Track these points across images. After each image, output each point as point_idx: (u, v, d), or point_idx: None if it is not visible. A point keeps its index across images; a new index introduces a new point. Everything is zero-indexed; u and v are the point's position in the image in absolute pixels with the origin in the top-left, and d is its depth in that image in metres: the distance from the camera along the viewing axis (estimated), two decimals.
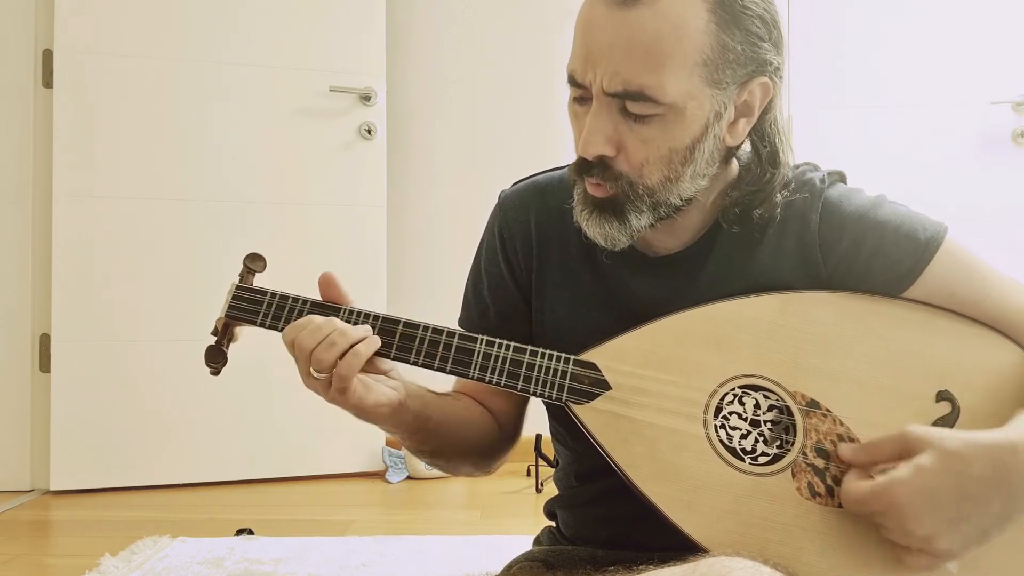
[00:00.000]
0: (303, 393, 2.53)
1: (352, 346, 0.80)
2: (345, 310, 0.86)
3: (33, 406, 2.45)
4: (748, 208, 0.86)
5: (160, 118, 2.46)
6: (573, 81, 0.80)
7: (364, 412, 0.83)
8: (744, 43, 0.77)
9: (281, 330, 0.86)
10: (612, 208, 0.82)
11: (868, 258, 0.84)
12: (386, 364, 0.87)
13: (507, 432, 1.03)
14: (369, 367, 0.83)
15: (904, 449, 0.71)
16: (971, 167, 2.70)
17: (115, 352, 2.43)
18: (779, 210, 0.86)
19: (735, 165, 0.90)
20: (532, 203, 0.98)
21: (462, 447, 0.97)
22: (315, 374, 0.81)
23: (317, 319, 0.82)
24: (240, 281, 0.90)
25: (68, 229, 2.39)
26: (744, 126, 0.83)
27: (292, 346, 0.82)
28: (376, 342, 0.82)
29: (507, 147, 2.80)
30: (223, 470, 2.50)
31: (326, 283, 0.88)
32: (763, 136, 0.85)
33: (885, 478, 0.70)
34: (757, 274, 0.87)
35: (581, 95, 0.81)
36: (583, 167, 0.82)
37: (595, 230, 0.84)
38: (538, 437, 2.43)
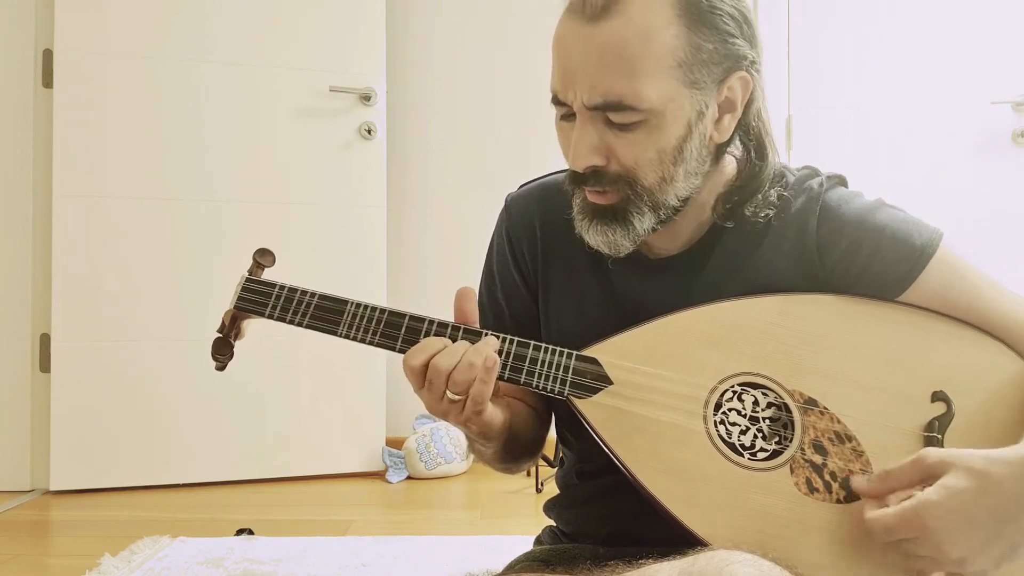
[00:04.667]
0: (303, 393, 2.54)
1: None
2: (351, 303, 0.86)
3: (33, 406, 2.46)
4: (739, 203, 0.87)
5: (160, 118, 2.46)
6: (556, 100, 0.82)
7: (489, 432, 0.84)
8: (716, 41, 0.79)
9: (298, 324, 0.86)
10: (614, 214, 0.83)
11: (865, 262, 0.85)
12: None
13: (546, 425, 1.04)
14: None
15: (924, 473, 0.70)
16: (971, 167, 2.70)
17: (115, 352, 2.43)
18: (772, 209, 0.87)
19: (731, 165, 0.90)
20: (537, 207, 1.00)
21: (526, 445, 0.98)
22: (452, 396, 0.81)
23: (439, 341, 0.81)
24: (249, 275, 0.90)
25: (68, 229, 2.39)
26: (730, 121, 0.84)
27: (424, 368, 0.80)
28: (497, 361, 0.80)
29: (507, 147, 2.80)
30: (223, 470, 2.50)
31: (466, 296, 0.85)
32: (748, 130, 0.86)
33: (913, 501, 0.68)
34: (756, 276, 0.87)
35: (566, 112, 0.83)
36: (578, 178, 0.83)
37: (598, 239, 0.84)
38: None
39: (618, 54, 0.76)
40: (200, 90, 2.48)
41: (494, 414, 0.83)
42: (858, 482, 0.76)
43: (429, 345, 0.81)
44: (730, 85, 0.81)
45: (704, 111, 0.80)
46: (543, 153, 2.17)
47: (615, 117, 0.78)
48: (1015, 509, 0.68)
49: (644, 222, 0.83)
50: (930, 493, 0.68)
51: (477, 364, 0.78)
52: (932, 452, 0.71)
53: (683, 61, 0.77)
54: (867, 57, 2.74)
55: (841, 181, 0.92)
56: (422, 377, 0.80)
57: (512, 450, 0.95)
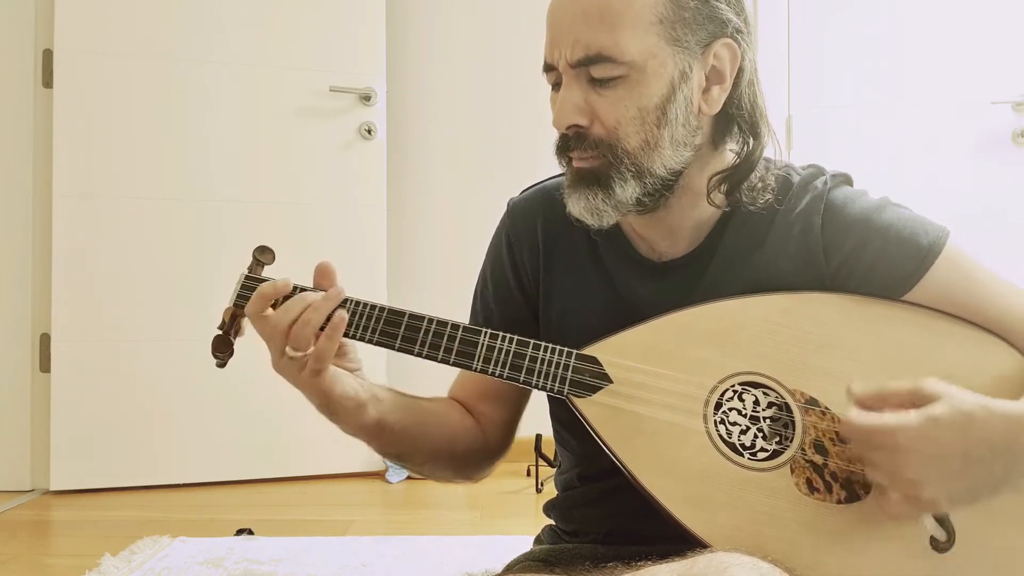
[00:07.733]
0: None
1: (326, 322, 0.82)
2: (351, 301, 0.86)
3: (33, 406, 2.46)
4: (734, 184, 0.86)
5: (160, 118, 2.46)
6: (546, 67, 0.86)
7: (331, 402, 0.85)
8: (698, 1, 0.81)
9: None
10: (596, 179, 0.83)
11: (871, 261, 0.85)
12: (353, 364, 0.89)
13: (493, 443, 1.02)
14: (340, 360, 0.87)
15: (918, 398, 0.72)
16: (971, 167, 2.70)
17: (115, 352, 2.43)
18: (770, 195, 0.86)
19: (729, 155, 0.89)
20: (539, 210, 1.00)
21: (435, 453, 0.97)
22: (291, 352, 0.83)
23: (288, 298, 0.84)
24: (249, 272, 0.90)
25: (68, 229, 2.39)
26: (719, 93, 0.84)
27: (263, 324, 0.84)
28: (344, 317, 0.83)
29: (507, 147, 2.80)
30: (223, 470, 2.50)
31: (322, 272, 0.88)
32: (740, 105, 0.85)
33: (893, 418, 0.70)
34: (760, 277, 0.87)
35: (556, 80, 0.86)
36: (563, 144, 0.85)
37: (580, 205, 0.84)
38: (538, 437, 2.43)
39: (600, 9, 0.79)
40: (200, 90, 2.48)
41: (339, 385, 0.84)
42: (856, 387, 0.76)
43: (267, 292, 0.84)
44: (716, 52, 0.82)
45: (688, 72, 0.81)
46: (543, 152, 2.15)
47: (596, 71, 0.80)
48: (985, 455, 0.70)
49: (627, 189, 0.83)
50: (911, 415, 0.70)
51: (314, 320, 0.81)
52: (933, 382, 0.72)
53: (664, 17, 0.79)
54: (867, 57, 2.73)
55: (846, 180, 0.92)
56: (265, 326, 0.83)
57: (405, 452, 0.96)
